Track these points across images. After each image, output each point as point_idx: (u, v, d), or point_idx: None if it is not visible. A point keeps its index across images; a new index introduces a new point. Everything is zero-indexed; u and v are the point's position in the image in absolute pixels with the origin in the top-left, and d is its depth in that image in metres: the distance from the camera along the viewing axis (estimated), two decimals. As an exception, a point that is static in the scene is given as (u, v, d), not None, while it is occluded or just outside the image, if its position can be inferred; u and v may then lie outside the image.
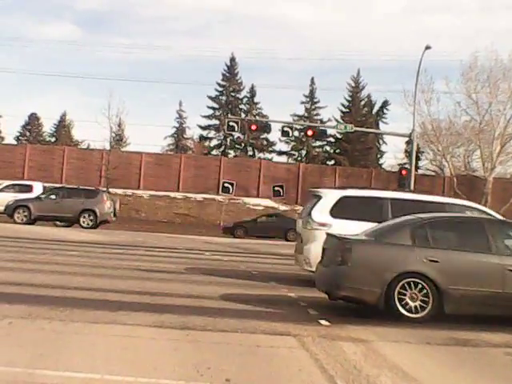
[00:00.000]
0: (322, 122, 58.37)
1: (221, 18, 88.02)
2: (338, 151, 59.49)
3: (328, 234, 9.52)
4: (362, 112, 60.19)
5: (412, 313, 8.17)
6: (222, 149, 61.21)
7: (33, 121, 67.03)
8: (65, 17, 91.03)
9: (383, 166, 57.99)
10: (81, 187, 28.02)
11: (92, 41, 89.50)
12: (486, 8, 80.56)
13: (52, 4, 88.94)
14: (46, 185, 30.68)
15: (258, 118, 53.13)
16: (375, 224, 9.78)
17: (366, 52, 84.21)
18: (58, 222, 26.51)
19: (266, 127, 36.47)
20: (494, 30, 72.62)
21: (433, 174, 44.36)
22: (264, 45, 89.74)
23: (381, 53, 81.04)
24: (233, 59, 61.03)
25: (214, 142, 62.26)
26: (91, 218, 25.36)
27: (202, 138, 62.48)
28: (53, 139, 65.89)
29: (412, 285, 8.23)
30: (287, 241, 30.48)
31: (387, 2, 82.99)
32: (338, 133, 56.46)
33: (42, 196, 26.61)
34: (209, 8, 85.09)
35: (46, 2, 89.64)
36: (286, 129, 32.40)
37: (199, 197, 42.27)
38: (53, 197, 26.24)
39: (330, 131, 50.17)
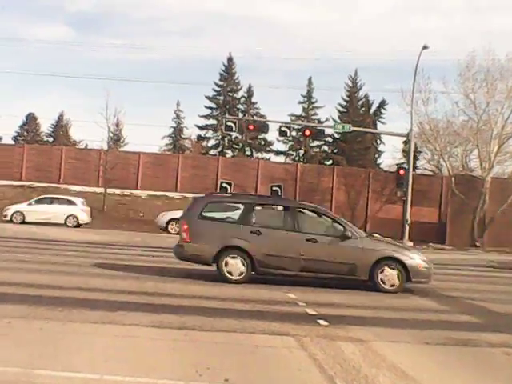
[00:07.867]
0: (319, 121, 58.35)
1: (217, 19, 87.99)
2: (335, 151, 59.47)
3: None
4: (360, 112, 60.14)
5: None
6: (219, 149, 61.12)
7: (30, 121, 66.91)
8: (59, 18, 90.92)
9: (381, 166, 57.97)
10: None
11: (89, 41, 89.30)
12: (482, 8, 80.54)
13: (46, 5, 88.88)
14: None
15: (255, 117, 53.06)
16: None
17: (364, 52, 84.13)
18: None
19: (263, 127, 36.44)
20: (491, 29, 72.66)
21: (431, 173, 44.28)
22: (261, 45, 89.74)
23: (378, 53, 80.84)
24: (230, 59, 60.99)
25: (212, 142, 62.20)
26: None
27: (200, 138, 62.41)
28: (50, 139, 65.76)
29: None
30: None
31: (380, 1, 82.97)
32: (336, 133, 56.44)
33: None
34: (204, 9, 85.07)
35: (40, 3, 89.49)
36: (283, 129, 32.38)
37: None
38: None
39: (327, 131, 50.07)
